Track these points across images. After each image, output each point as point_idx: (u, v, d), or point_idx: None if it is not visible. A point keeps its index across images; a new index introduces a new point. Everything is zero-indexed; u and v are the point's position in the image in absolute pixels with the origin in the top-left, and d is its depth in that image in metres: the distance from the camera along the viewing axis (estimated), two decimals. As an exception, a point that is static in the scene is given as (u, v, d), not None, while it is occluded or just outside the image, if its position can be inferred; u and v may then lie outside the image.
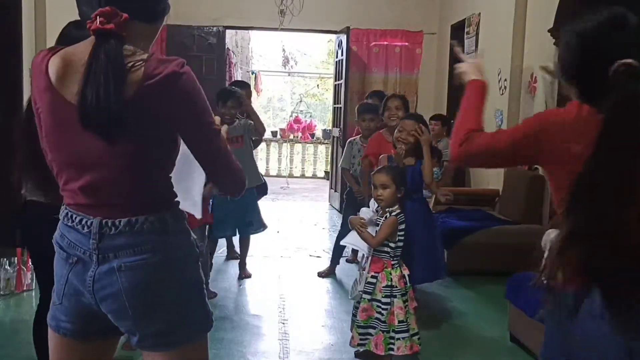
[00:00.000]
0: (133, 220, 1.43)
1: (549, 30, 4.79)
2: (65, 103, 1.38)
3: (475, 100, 1.72)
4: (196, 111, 1.44)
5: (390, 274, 3.07)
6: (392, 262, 3.10)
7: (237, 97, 4.58)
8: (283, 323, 3.85)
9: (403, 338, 3.02)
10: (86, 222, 1.45)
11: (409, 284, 3.13)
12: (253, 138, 4.70)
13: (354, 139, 4.89)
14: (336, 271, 4.89)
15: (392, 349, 3.03)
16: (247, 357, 3.32)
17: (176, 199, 1.54)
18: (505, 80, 5.61)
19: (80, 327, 1.53)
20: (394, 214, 3.11)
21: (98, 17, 1.36)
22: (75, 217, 1.47)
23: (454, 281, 4.80)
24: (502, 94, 5.69)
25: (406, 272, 3.14)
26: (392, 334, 3.03)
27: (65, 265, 1.49)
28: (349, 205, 4.76)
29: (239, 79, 10.24)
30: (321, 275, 4.84)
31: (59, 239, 1.51)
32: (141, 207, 1.45)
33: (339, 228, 5.06)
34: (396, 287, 3.06)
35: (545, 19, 4.89)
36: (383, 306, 3.04)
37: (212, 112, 1.49)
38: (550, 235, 1.66)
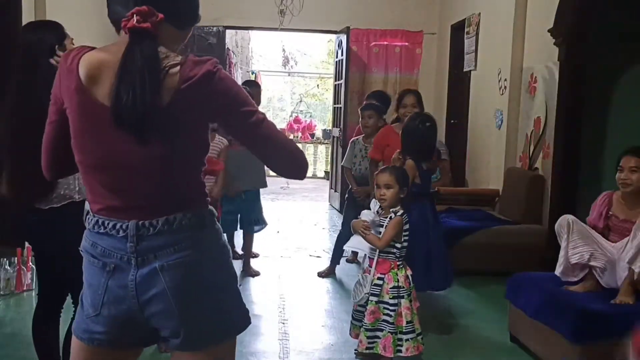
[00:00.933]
0: (171, 218, 1.42)
1: (549, 30, 4.79)
2: (97, 104, 1.37)
3: None
4: (237, 103, 1.44)
5: (397, 274, 3.07)
6: (398, 263, 3.11)
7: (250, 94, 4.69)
8: (283, 323, 3.85)
9: (411, 339, 3.03)
10: (121, 226, 1.42)
11: (412, 284, 3.14)
12: None
13: (357, 139, 4.90)
14: (336, 271, 4.89)
15: (400, 351, 3.03)
16: (247, 357, 3.32)
17: (207, 197, 1.53)
18: (505, 80, 5.61)
19: (116, 336, 1.50)
20: (398, 214, 3.11)
21: (135, 15, 1.34)
22: (108, 223, 1.43)
23: (454, 281, 4.79)
24: (502, 94, 5.69)
25: (409, 272, 3.14)
26: (400, 335, 3.03)
27: (102, 274, 1.45)
28: (349, 205, 4.77)
29: (239, 79, 10.24)
30: (321, 275, 4.84)
31: (90, 249, 1.47)
32: (177, 205, 1.43)
33: (339, 228, 5.07)
34: (403, 287, 3.06)
35: (545, 19, 4.89)
36: (391, 307, 3.04)
37: (252, 101, 1.49)
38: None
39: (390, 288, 3.05)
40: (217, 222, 1.54)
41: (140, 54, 1.34)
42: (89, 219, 1.49)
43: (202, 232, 1.47)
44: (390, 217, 3.12)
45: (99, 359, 1.53)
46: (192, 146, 1.44)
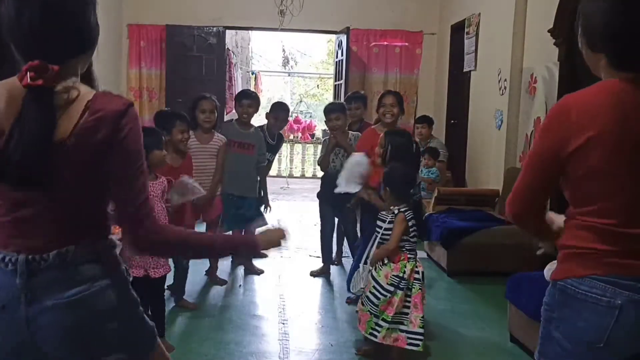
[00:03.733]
0: (63, 251, 1.36)
1: (549, 31, 4.79)
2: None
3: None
4: (135, 152, 1.40)
5: (405, 266, 3.09)
6: (409, 256, 3.13)
7: (253, 95, 4.77)
8: (283, 323, 3.84)
9: (391, 329, 3.05)
10: (10, 259, 1.34)
11: (422, 281, 3.15)
12: (260, 164, 4.83)
13: (330, 136, 4.85)
14: (331, 270, 4.91)
15: (374, 335, 3.05)
16: (247, 357, 3.32)
17: (109, 227, 1.47)
18: (505, 80, 5.61)
19: None
20: (402, 210, 3.13)
21: (28, 72, 1.30)
22: None
23: (454, 281, 4.80)
24: (502, 94, 5.69)
25: (421, 269, 3.15)
26: (382, 323, 3.05)
27: None
28: (322, 200, 4.80)
29: (239, 79, 10.25)
30: (314, 274, 4.85)
31: None
32: (71, 238, 1.38)
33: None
34: (405, 279, 3.07)
35: (545, 19, 4.89)
36: (383, 292, 3.06)
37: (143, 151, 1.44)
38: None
39: (393, 275, 3.06)
40: (114, 251, 1.49)
41: (32, 110, 1.30)
42: None
43: (102, 264, 1.41)
44: (394, 214, 3.14)
45: None
46: (89, 185, 1.39)
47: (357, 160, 3.64)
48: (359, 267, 3.36)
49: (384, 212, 3.24)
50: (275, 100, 6.82)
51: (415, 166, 3.79)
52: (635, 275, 1.42)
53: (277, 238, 1.68)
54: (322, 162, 4.77)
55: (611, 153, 1.43)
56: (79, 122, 1.32)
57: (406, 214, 3.13)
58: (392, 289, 3.06)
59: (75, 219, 1.40)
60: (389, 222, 3.15)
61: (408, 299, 3.09)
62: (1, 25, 1.35)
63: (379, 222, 3.23)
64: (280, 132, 5.21)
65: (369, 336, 3.11)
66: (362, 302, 3.19)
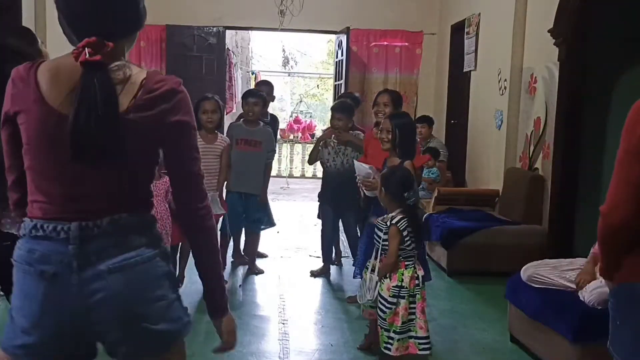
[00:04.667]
0: (116, 217, 1.41)
1: (549, 31, 4.79)
2: (56, 114, 1.38)
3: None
4: (187, 131, 1.49)
5: (403, 274, 3.08)
6: (406, 263, 3.11)
7: (259, 94, 4.75)
8: (283, 323, 3.84)
9: (402, 339, 3.03)
10: (62, 228, 1.39)
11: (422, 285, 3.13)
12: (268, 160, 4.83)
13: (327, 131, 4.86)
14: (332, 270, 4.91)
15: (388, 349, 3.04)
16: (247, 357, 3.32)
17: (153, 204, 1.54)
18: (505, 80, 5.61)
19: (51, 350, 1.42)
20: (394, 221, 3.10)
21: (85, 48, 1.35)
22: (48, 226, 1.39)
23: (454, 281, 4.80)
24: (502, 94, 5.69)
25: (420, 273, 3.14)
26: (392, 335, 3.03)
27: (40, 282, 1.39)
28: (322, 200, 4.81)
29: (239, 79, 10.24)
30: (314, 274, 4.85)
31: (26, 256, 1.41)
32: (122, 207, 1.44)
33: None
34: (405, 287, 3.06)
35: (545, 19, 4.89)
36: (387, 305, 3.04)
37: (196, 137, 1.54)
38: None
39: (393, 286, 3.05)
40: (157, 226, 1.55)
41: (95, 86, 1.35)
42: (24, 225, 1.44)
43: (147, 234, 1.47)
44: (387, 225, 3.12)
45: None
46: (142, 159, 1.46)
47: (367, 172, 3.66)
48: (362, 275, 3.33)
49: (380, 220, 3.22)
50: (276, 100, 6.80)
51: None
52: None
53: (229, 338, 1.61)
54: (311, 155, 4.85)
55: None
56: (135, 98, 1.39)
57: (399, 224, 3.08)
58: (394, 300, 3.04)
59: (127, 190, 1.45)
60: (385, 233, 3.13)
61: (412, 305, 3.07)
62: (58, 3, 1.43)
63: (377, 232, 3.21)
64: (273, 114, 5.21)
65: (384, 350, 3.07)
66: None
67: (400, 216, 3.10)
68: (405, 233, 3.07)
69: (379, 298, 3.08)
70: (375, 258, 3.20)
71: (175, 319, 1.48)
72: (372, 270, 3.20)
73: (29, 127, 1.41)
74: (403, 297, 3.04)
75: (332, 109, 4.71)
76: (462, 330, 3.79)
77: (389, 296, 3.05)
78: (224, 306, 1.60)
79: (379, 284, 3.10)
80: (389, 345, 3.03)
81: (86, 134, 1.35)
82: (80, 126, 1.35)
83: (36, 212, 1.43)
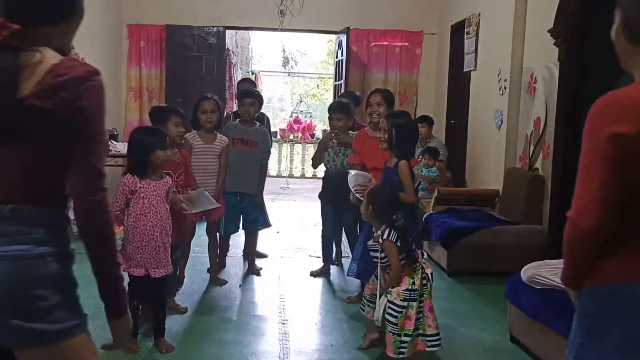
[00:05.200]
0: (19, 207, 1.42)
1: (549, 31, 4.79)
2: None
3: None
4: (91, 122, 1.45)
5: (413, 278, 3.08)
6: (414, 266, 3.12)
7: (255, 95, 4.76)
8: (283, 323, 3.84)
9: (409, 341, 3.05)
10: None
11: (431, 282, 3.14)
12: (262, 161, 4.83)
13: (328, 134, 4.86)
14: (331, 270, 4.91)
15: (402, 353, 3.04)
16: (247, 357, 3.32)
17: (68, 200, 1.51)
18: (505, 80, 5.61)
19: None
20: (384, 237, 3.10)
21: None
22: None
23: (454, 281, 4.80)
24: (502, 94, 5.69)
25: (429, 271, 3.15)
26: (405, 338, 3.03)
27: None
28: (324, 201, 4.80)
29: (239, 79, 10.24)
30: (314, 274, 4.85)
31: None
32: (30, 198, 1.43)
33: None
34: (416, 290, 3.07)
35: (545, 19, 4.89)
36: (398, 309, 3.04)
37: (104, 130, 1.51)
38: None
39: (403, 290, 3.05)
40: (67, 226, 1.52)
41: None
42: None
43: (50, 231, 1.45)
44: (380, 241, 3.12)
45: None
46: (47, 147, 1.44)
47: (363, 176, 3.66)
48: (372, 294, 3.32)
49: (371, 242, 3.22)
50: (275, 99, 6.79)
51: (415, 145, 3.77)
52: None
53: (122, 338, 1.62)
54: (314, 159, 4.85)
55: None
56: (40, 82, 1.38)
57: (390, 237, 3.08)
58: (405, 303, 3.05)
59: (35, 180, 1.45)
60: (382, 251, 3.14)
61: (421, 305, 3.09)
62: None
63: (373, 254, 3.21)
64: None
65: (397, 356, 3.06)
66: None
67: (388, 229, 3.11)
68: (399, 243, 3.09)
69: (390, 305, 3.07)
70: (374, 275, 3.23)
71: (54, 320, 1.44)
72: (381, 295, 3.16)
73: None
74: (414, 300, 3.05)
75: (330, 110, 4.70)
76: (462, 330, 3.79)
77: (401, 300, 3.04)
78: (118, 307, 1.57)
79: (386, 304, 3.08)
80: (403, 350, 3.04)
81: None
82: None
83: None
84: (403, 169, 3.48)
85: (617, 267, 1.42)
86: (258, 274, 4.88)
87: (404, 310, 3.04)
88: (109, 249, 1.54)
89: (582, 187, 1.38)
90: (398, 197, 3.29)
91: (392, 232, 3.09)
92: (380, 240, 3.11)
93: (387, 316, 3.07)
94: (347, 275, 4.13)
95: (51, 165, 1.47)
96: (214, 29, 7.92)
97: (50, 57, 1.42)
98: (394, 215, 3.14)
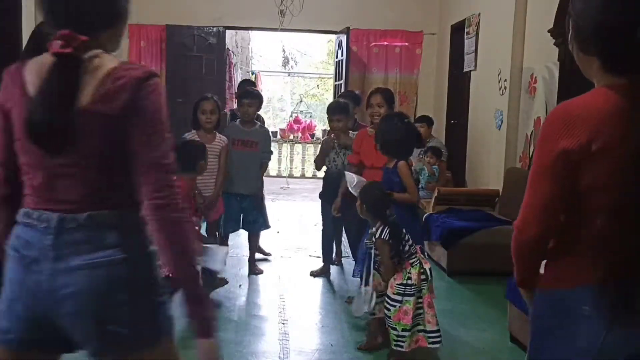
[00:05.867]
0: (94, 214, 1.42)
1: (549, 30, 4.79)
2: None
3: None
4: (153, 119, 1.44)
5: (409, 272, 3.09)
6: (410, 262, 3.13)
7: (254, 94, 4.77)
8: (283, 323, 3.84)
9: (412, 334, 3.05)
10: (45, 217, 1.42)
11: (429, 278, 3.14)
12: (264, 160, 4.86)
13: (329, 137, 4.86)
14: (331, 270, 4.91)
15: (400, 346, 3.04)
16: (247, 357, 3.32)
17: (138, 203, 1.47)
18: (505, 80, 5.61)
19: (24, 335, 1.45)
20: (377, 235, 3.14)
21: (57, 40, 1.39)
22: (33, 213, 1.44)
23: (454, 281, 4.80)
24: (502, 94, 5.69)
25: (427, 267, 3.16)
26: (402, 333, 3.04)
27: (20, 267, 1.44)
28: (324, 199, 4.80)
29: (239, 79, 10.24)
30: (314, 274, 4.85)
31: (14, 241, 1.47)
32: (103, 203, 1.44)
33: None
34: (413, 285, 3.07)
35: (545, 19, 4.89)
36: (392, 303, 3.05)
37: (167, 127, 1.47)
38: None
39: (397, 284, 3.06)
40: (144, 227, 1.48)
41: (59, 76, 1.38)
42: (20, 211, 1.49)
43: (126, 235, 1.45)
44: (374, 239, 3.16)
45: None
46: (112, 152, 1.44)
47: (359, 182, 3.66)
48: (361, 289, 3.34)
49: (367, 240, 3.29)
50: (275, 99, 6.81)
51: (411, 146, 3.66)
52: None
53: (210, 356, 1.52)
54: (316, 162, 4.88)
55: (616, 167, 1.37)
56: (101, 88, 1.40)
57: (382, 236, 3.13)
58: (399, 297, 3.05)
59: (106, 185, 1.45)
60: (376, 248, 3.19)
61: (420, 300, 3.09)
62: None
63: (369, 250, 3.28)
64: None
65: (396, 348, 3.09)
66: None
67: (381, 227, 3.15)
68: (393, 240, 3.12)
69: (385, 297, 3.10)
70: (374, 269, 3.24)
71: (141, 326, 1.45)
72: (367, 284, 3.22)
73: (17, 122, 1.44)
74: (411, 295, 3.05)
75: (329, 111, 4.67)
76: (462, 330, 3.79)
77: (393, 294, 3.06)
78: (207, 324, 1.48)
79: (374, 295, 3.12)
80: (400, 343, 3.05)
81: (34, 121, 1.38)
82: (31, 114, 1.38)
83: (28, 202, 1.48)
84: (402, 169, 3.48)
85: (554, 274, 1.51)
86: (260, 272, 4.88)
87: (398, 305, 3.05)
88: (185, 249, 1.44)
89: (527, 197, 1.47)
90: (386, 195, 3.32)
91: (385, 229, 3.13)
92: (374, 239, 3.16)
93: (384, 310, 3.11)
94: (353, 276, 4.12)
95: (118, 169, 1.46)
96: (214, 29, 7.92)
97: (107, 60, 1.44)
98: (387, 211, 3.17)
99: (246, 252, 5.07)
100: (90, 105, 1.38)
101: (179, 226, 1.43)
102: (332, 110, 4.63)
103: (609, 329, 1.39)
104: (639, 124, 1.36)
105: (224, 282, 4.57)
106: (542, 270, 1.56)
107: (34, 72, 1.44)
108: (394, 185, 3.47)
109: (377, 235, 3.15)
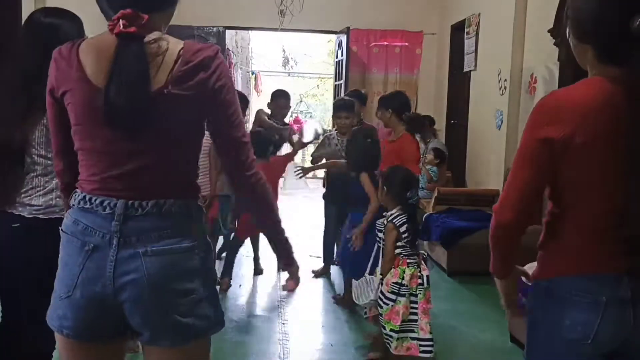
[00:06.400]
0: (161, 202, 1.42)
1: (549, 31, 4.79)
2: (100, 91, 1.39)
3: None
4: (227, 97, 1.47)
5: (404, 272, 3.08)
6: (408, 261, 3.11)
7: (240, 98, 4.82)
8: (283, 323, 3.85)
9: (401, 338, 3.02)
10: (109, 203, 1.41)
11: (426, 285, 3.12)
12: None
13: (331, 134, 4.88)
14: (331, 270, 4.90)
15: (388, 344, 3.03)
16: (247, 357, 3.32)
17: (199, 190, 1.55)
18: (505, 80, 5.61)
19: (85, 324, 1.44)
20: (390, 219, 3.13)
21: (120, 20, 1.37)
22: (95, 200, 1.42)
23: (454, 281, 4.80)
24: (502, 94, 5.69)
25: (425, 273, 3.13)
26: (391, 333, 3.02)
27: (81, 253, 1.41)
28: (327, 200, 4.87)
29: (239, 79, 10.25)
30: (316, 273, 4.85)
31: (71, 226, 1.45)
32: (168, 192, 1.44)
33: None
34: (406, 285, 3.05)
35: (545, 19, 4.89)
36: (386, 300, 3.04)
37: (238, 101, 1.52)
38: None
39: (392, 283, 3.05)
40: (203, 216, 1.53)
41: (128, 58, 1.36)
42: (75, 196, 1.47)
43: (190, 223, 1.46)
44: (384, 223, 3.15)
45: (76, 355, 1.48)
46: (184, 135, 1.44)
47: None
48: (364, 275, 3.33)
49: (380, 221, 3.25)
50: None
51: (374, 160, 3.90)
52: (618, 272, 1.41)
53: (297, 279, 1.86)
54: (314, 158, 4.89)
55: (602, 158, 1.39)
56: (173, 70, 1.39)
57: (395, 220, 3.10)
58: (393, 297, 3.03)
59: (173, 172, 1.46)
60: (383, 232, 3.17)
61: (414, 305, 3.05)
62: None
63: (378, 233, 3.26)
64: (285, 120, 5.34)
65: (386, 344, 3.08)
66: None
67: (398, 213, 3.12)
68: (403, 229, 3.09)
69: (380, 294, 3.09)
70: (375, 257, 3.23)
71: (201, 315, 1.46)
72: (372, 273, 3.21)
73: (76, 106, 1.42)
74: (403, 296, 3.03)
75: (334, 108, 4.75)
76: (462, 330, 3.79)
77: (388, 292, 3.05)
78: (291, 258, 1.76)
79: (380, 285, 3.10)
80: (388, 342, 3.04)
81: (116, 105, 1.35)
82: (111, 98, 1.35)
83: (86, 187, 1.45)
84: (363, 179, 3.72)
85: (546, 264, 1.54)
86: (260, 273, 4.88)
87: (391, 304, 3.03)
88: (274, 213, 1.66)
89: (509, 182, 1.49)
90: (412, 177, 3.39)
91: (401, 216, 3.11)
92: (386, 222, 3.13)
93: (377, 306, 3.09)
94: (334, 260, 4.41)
95: (186, 156, 1.47)
96: (214, 29, 7.92)
97: (174, 43, 1.43)
98: (408, 193, 3.18)
99: (245, 252, 5.06)
100: (167, 87, 1.37)
101: (267, 190, 1.58)
102: (337, 107, 4.71)
103: (602, 317, 1.40)
104: (628, 118, 1.37)
105: (226, 285, 4.50)
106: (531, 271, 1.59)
107: (91, 53, 1.42)
108: (364, 195, 3.66)
109: (389, 218, 3.12)
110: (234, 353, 3.35)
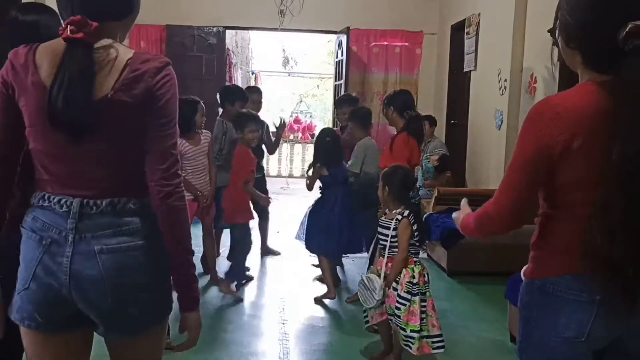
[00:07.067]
0: (116, 200, 1.47)
1: (549, 30, 4.78)
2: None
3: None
4: (164, 108, 1.48)
5: (413, 270, 3.08)
6: (415, 260, 3.12)
7: (245, 97, 4.88)
8: (283, 323, 3.85)
9: (419, 338, 3.01)
10: (65, 201, 1.46)
11: (428, 282, 3.14)
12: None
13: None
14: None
15: (409, 346, 3.02)
16: (247, 357, 3.32)
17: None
18: (505, 80, 5.61)
19: (43, 315, 1.49)
20: (404, 214, 3.12)
21: (69, 25, 1.41)
22: (53, 198, 1.47)
23: (454, 281, 4.80)
24: (502, 94, 5.69)
25: (426, 271, 3.15)
26: (412, 334, 3.00)
27: (38, 248, 1.47)
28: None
29: (239, 79, 10.25)
30: (316, 277, 4.85)
31: (30, 222, 1.50)
32: (123, 191, 1.49)
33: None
34: (417, 284, 3.06)
35: (545, 19, 4.89)
36: (402, 301, 3.03)
37: (176, 116, 1.53)
38: None
39: (406, 282, 3.05)
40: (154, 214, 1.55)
41: (73, 63, 1.41)
42: (34, 196, 1.52)
43: (145, 220, 1.50)
44: (397, 220, 3.12)
45: (42, 347, 1.53)
46: (130, 139, 1.47)
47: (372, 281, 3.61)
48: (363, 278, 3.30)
49: (383, 219, 3.23)
50: (276, 99, 6.94)
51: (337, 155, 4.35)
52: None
53: (196, 333, 1.67)
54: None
55: (596, 162, 1.39)
56: (119, 78, 1.43)
57: (409, 217, 3.12)
58: (408, 296, 3.03)
59: (124, 172, 1.50)
60: (394, 229, 3.13)
61: (423, 303, 3.06)
62: None
63: (383, 230, 3.20)
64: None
65: (404, 347, 3.06)
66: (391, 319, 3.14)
67: (408, 211, 3.13)
68: (415, 227, 3.10)
69: (396, 297, 3.07)
70: (382, 256, 3.20)
71: (151, 308, 1.54)
72: (370, 266, 3.21)
73: (29, 108, 1.46)
74: (416, 295, 3.04)
75: (336, 104, 4.91)
76: (462, 330, 3.79)
77: (404, 292, 3.04)
78: (192, 299, 1.59)
79: (380, 282, 3.09)
80: (409, 343, 3.02)
81: (57, 108, 1.39)
82: (52, 100, 1.40)
83: (45, 187, 1.51)
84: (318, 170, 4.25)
85: (539, 264, 1.55)
86: (276, 254, 5.26)
87: (408, 304, 3.02)
88: (185, 235, 1.54)
89: (503, 190, 1.51)
90: (411, 176, 3.45)
91: (410, 213, 3.13)
92: (400, 218, 3.12)
93: (394, 309, 3.06)
94: (295, 238, 4.74)
95: (134, 157, 1.50)
96: (214, 29, 7.92)
97: (123, 50, 1.47)
98: (410, 193, 3.22)
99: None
100: (113, 94, 1.41)
101: (181, 214, 1.51)
102: (341, 102, 4.89)
103: (596, 315, 1.42)
104: (618, 123, 1.37)
105: (228, 288, 4.47)
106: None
107: (46, 58, 1.45)
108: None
109: (403, 214, 3.12)
110: (234, 353, 3.35)
